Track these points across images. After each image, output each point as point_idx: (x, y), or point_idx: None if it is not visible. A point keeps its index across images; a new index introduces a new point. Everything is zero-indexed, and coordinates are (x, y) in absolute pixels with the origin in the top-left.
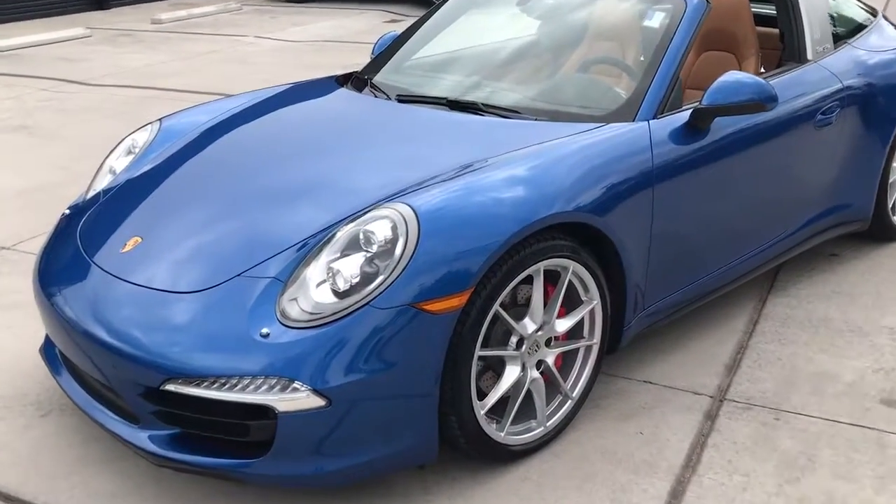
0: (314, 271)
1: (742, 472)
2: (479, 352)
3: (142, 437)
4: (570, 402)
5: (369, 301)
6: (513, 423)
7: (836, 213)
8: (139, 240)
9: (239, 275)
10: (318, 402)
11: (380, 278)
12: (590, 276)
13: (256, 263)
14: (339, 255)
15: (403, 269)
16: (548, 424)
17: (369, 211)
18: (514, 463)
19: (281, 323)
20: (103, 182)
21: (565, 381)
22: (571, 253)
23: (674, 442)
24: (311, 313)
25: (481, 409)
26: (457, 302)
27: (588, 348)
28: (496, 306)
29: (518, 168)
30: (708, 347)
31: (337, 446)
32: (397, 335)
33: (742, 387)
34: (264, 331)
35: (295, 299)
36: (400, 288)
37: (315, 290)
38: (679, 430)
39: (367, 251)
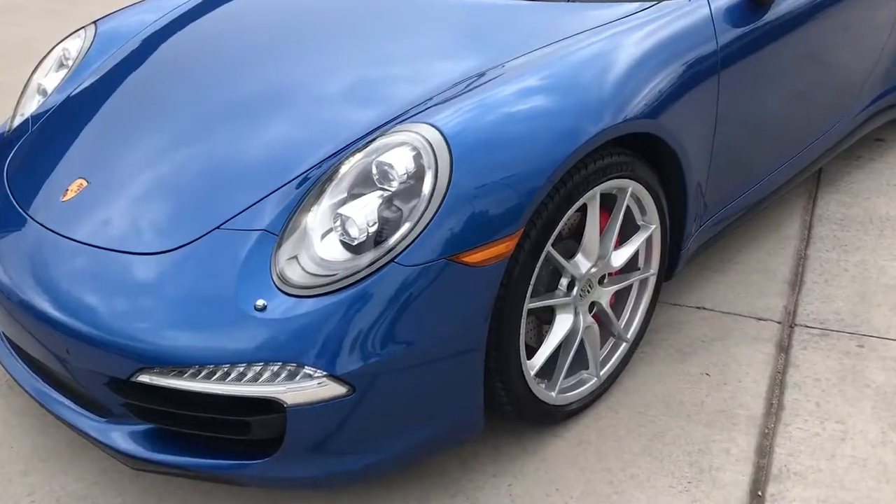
0: (316, 218)
1: (836, 417)
2: (528, 304)
3: (113, 435)
4: (624, 344)
5: (394, 257)
6: (565, 375)
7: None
8: (84, 183)
9: (218, 227)
10: (338, 389)
11: (405, 226)
12: (649, 196)
13: (239, 211)
14: (345, 195)
15: (435, 212)
16: (601, 374)
17: (380, 136)
18: (565, 423)
19: (280, 290)
20: (31, 105)
21: (619, 321)
22: (630, 170)
23: (747, 383)
24: (318, 275)
25: (531, 370)
26: (504, 248)
27: (643, 281)
28: (548, 247)
29: (553, 70)
30: (762, 261)
31: (363, 439)
32: (431, 298)
33: (812, 307)
34: (259, 302)
35: (295, 257)
36: (431, 237)
37: (320, 244)
38: (750, 368)
39: (383, 189)
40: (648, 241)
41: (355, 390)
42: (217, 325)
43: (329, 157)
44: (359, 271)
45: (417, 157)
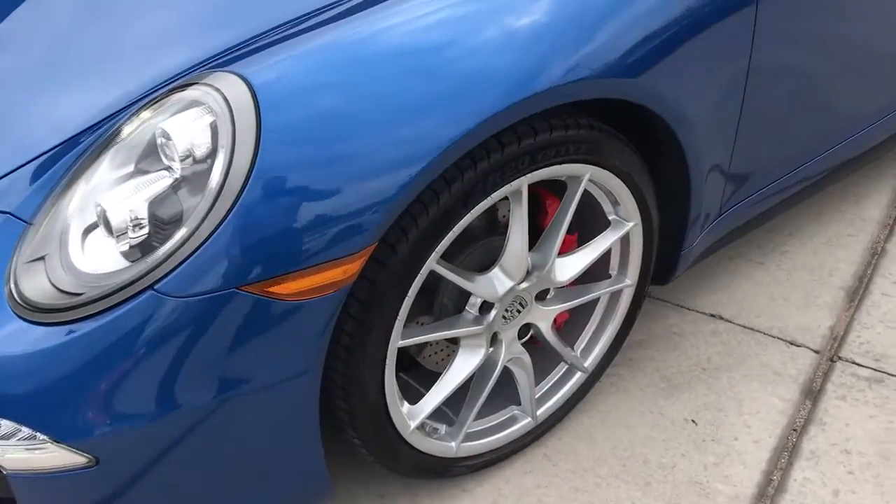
0: (79, 205)
1: None
2: (400, 341)
3: None
4: (578, 375)
5: (155, 281)
6: (482, 413)
7: None
8: None
9: None
10: (73, 458)
11: (179, 233)
12: (622, 185)
13: None
14: (132, 169)
15: (224, 217)
16: (538, 413)
17: (182, 86)
18: (479, 474)
19: (9, 307)
20: None
21: (573, 346)
22: (586, 151)
23: (745, 443)
24: (66, 292)
25: (411, 421)
26: (340, 273)
27: (615, 295)
28: (432, 262)
29: None
30: (818, 252)
31: None
32: (213, 344)
33: (869, 334)
34: None
35: (41, 259)
36: (215, 254)
37: (79, 244)
38: (756, 420)
39: (169, 168)
40: (625, 241)
41: (99, 462)
42: None
43: (125, 107)
44: (107, 296)
45: (214, 126)
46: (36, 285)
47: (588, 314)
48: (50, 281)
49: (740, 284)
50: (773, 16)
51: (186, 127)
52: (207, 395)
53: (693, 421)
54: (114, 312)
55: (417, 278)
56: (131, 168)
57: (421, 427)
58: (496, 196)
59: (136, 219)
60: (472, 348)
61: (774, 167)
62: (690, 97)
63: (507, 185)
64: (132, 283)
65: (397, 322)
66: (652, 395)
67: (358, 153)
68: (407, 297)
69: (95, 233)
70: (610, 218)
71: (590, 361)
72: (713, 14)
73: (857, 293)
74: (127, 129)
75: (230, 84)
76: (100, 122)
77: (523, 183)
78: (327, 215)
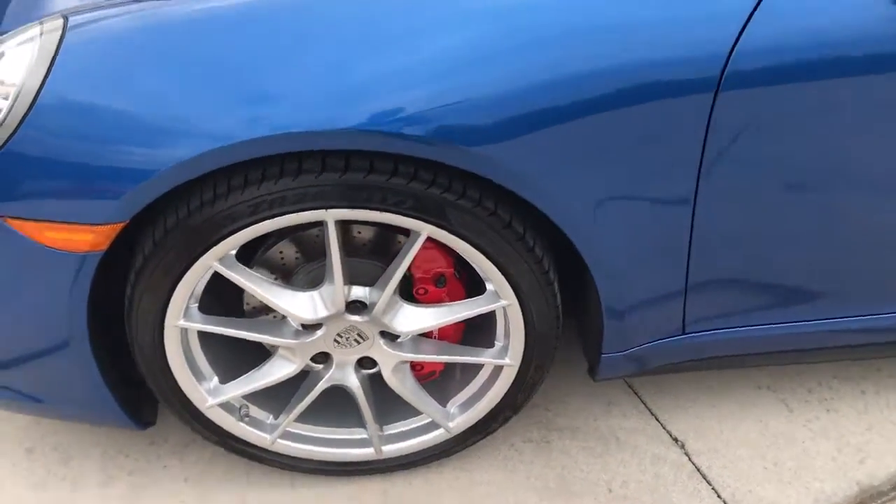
0: None
1: None
2: (181, 321)
3: None
4: (438, 432)
5: None
6: (323, 422)
7: None
8: None
9: None
10: None
11: None
12: (484, 259)
13: None
14: None
15: (2, 144)
16: (385, 449)
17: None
18: (304, 477)
19: None
20: None
21: (447, 401)
22: (413, 207)
23: None
24: None
25: (210, 398)
26: (90, 238)
27: (497, 370)
28: (209, 260)
29: None
30: (872, 430)
31: None
32: None
33: None
34: None
35: None
36: None
37: None
38: None
39: None
40: (505, 317)
41: None
42: None
43: None
44: None
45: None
46: None
47: (472, 375)
48: None
49: (741, 423)
50: (734, 119)
51: (9, 54)
52: None
53: None
54: None
55: (192, 271)
56: None
57: (232, 408)
58: (291, 219)
59: None
60: (285, 360)
61: (769, 306)
62: (580, 186)
63: (302, 213)
64: None
65: (171, 305)
66: (532, 490)
67: (136, 123)
68: (181, 285)
69: None
70: (487, 286)
71: (456, 423)
72: (647, 90)
73: (874, 500)
74: None
75: (52, 24)
76: None
77: (327, 217)
78: (82, 176)
